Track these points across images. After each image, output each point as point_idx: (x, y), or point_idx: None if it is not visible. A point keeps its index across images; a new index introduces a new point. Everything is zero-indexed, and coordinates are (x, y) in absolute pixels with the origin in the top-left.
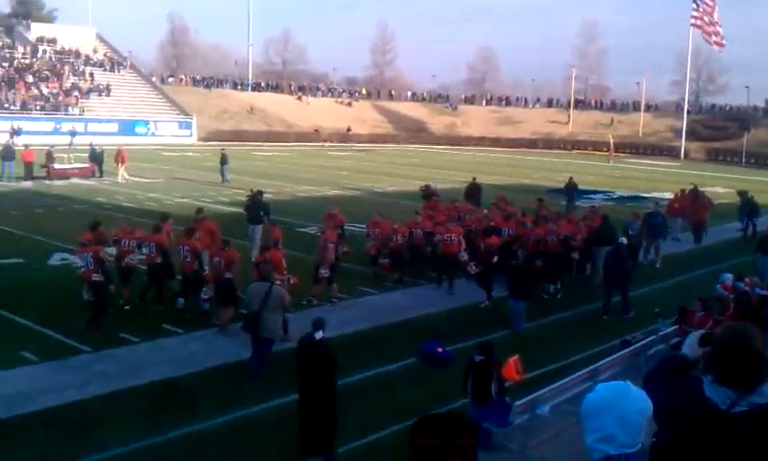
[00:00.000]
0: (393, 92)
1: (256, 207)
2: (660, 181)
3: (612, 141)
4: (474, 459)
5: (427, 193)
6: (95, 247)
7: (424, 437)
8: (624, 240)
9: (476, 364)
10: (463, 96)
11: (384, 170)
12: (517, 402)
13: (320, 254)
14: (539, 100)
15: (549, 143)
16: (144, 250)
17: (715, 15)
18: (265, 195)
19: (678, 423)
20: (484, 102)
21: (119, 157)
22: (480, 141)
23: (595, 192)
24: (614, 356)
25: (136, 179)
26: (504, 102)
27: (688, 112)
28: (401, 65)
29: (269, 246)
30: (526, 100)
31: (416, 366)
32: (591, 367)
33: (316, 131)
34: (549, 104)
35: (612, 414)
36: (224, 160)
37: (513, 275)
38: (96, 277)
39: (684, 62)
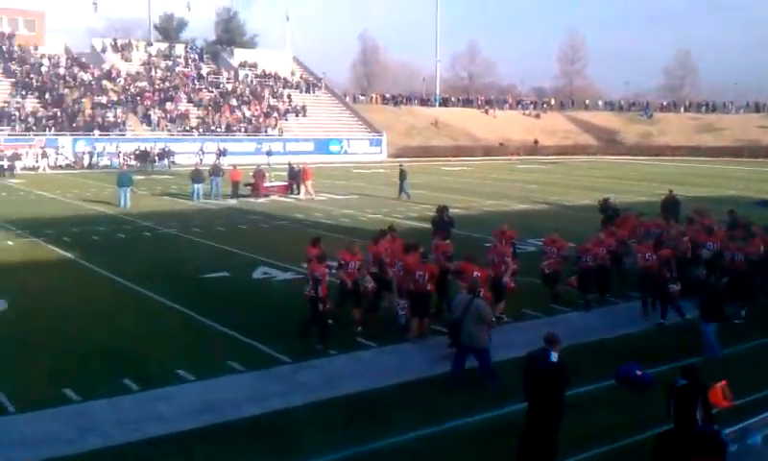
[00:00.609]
0: (586, 102)
1: (442, 222)
2: None
3: None
4: None
5: (605, 207)
6: (312, 265)
7: (675, 451)
8: None
9: (679, 388)
10: (661, 103)
11: (573, 183)
12: (727, 431)
13: (495, 270)
14: (748, 104)
15: (756, 151)
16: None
17: None
18: (452, 210)
19: None
20: (682, 108)
21: (304, 174)
22: (677, 151)
23: None
24: None
25: (331, 195)
26: (705, 108)
27: None
28: (591, 73)
29: (470, 257)
30: (731, 104)
31: (613, 388)
32: None
33: (501, 144)
34: (756, 108)
35: None
36: (402, 176)
37: (704, 294)
38: (312, 292)
39: None
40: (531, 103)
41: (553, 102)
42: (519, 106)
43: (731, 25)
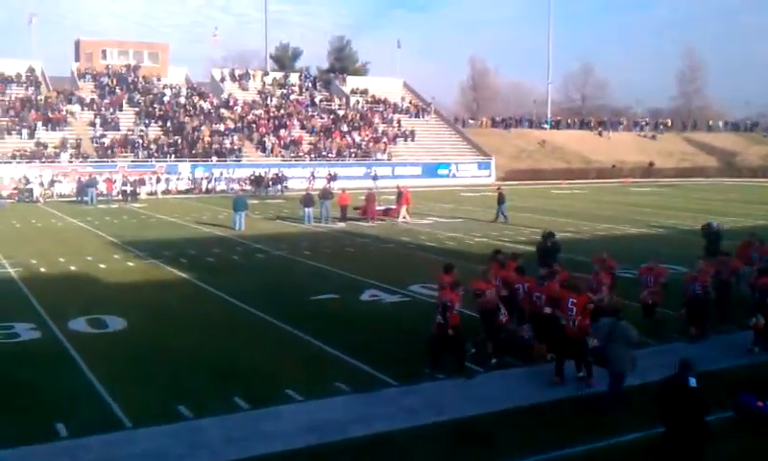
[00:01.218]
0: (705, 123)
1: (546, 249)
2: None
3: None
4: None
5: (708, 231)
6: (444, 292)
7: None
8: None
9: None
10: None
11: (691, 206)
12: None
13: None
14: None
15: None
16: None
17: None
18: (563, 234)
19: None
20: None
21: (402, 198)
22: None
23: None
24: None
25: (438, 219)
26: None
27: None
28: (711, 93)
29: (569, 283)
30: None
31: (732, 420)
32: None
33: (613, 166)
34: None
35: None
36: (501, 199)
37: None
38: (440, 319)
39: None
40: (647, 124)
41: (670, 123)
42: (635, 127)
43: None
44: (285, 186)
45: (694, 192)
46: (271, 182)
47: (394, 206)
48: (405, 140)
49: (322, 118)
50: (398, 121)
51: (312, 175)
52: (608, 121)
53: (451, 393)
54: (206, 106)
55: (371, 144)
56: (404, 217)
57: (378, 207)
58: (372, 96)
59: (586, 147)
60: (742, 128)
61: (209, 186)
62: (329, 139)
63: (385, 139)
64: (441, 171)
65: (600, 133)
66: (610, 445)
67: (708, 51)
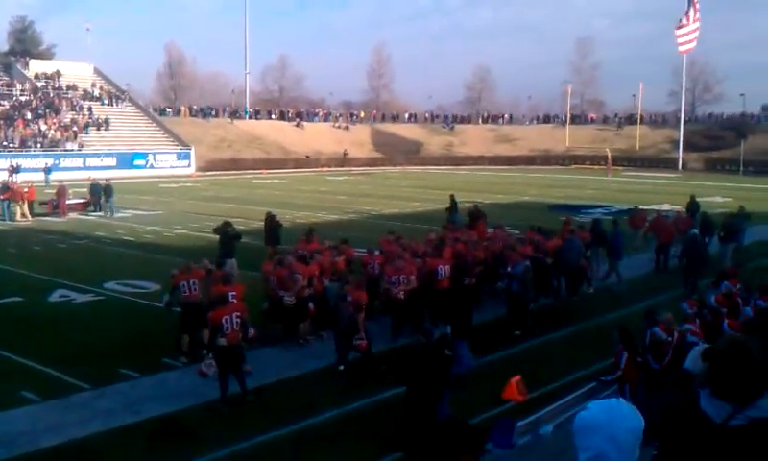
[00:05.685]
0: (392, 115)
1: (227, 239)
2: (659, 193)
3: (609, 155)
4: None
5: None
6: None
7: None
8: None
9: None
10: (459, 116)
11: (382, 192)
12: (520, 423)
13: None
14: (537, 118)
15: (547, 159)
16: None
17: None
18: (262, 222)
19: (672, 437)
20: (480, 121)
21: (16, 195)
22: (478, 160)
23: (594, 207)
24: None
25: (136, 212)
26: (501, 120)
27: (686, 123)
28: (397, 88)
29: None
30: (524, 117)
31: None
32: (593, 384)
33: (307, 156)
34: (546, 120)
35: (604, 433)
36: (108, 192)
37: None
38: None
39: (679, 73)
40: (340, 115)
41: (363, 114)
42: (329, 118)
43: (525, 45)
44: None
45: (384, 180)
46: None
47: (86, 200)
48: (98, 129)
49: (2, 105)
50: (90, 108)
51: None
52: (305, 112)
53: (149, 391)
54: None
55: (58, 133)
56: (23, 216)
57: (71, 202)
58: (60, 82)
59: (284, 137)
60: (421, 119)
61: None
62: (11, 128)
63: (75, 128)
64: (137, 162)
65: (298, 124)
66: (297, 429)
67: (396, 49)
